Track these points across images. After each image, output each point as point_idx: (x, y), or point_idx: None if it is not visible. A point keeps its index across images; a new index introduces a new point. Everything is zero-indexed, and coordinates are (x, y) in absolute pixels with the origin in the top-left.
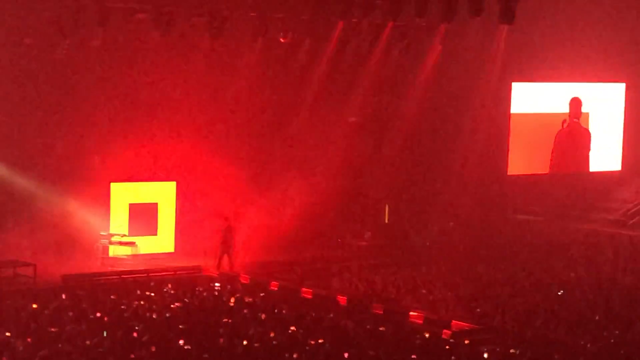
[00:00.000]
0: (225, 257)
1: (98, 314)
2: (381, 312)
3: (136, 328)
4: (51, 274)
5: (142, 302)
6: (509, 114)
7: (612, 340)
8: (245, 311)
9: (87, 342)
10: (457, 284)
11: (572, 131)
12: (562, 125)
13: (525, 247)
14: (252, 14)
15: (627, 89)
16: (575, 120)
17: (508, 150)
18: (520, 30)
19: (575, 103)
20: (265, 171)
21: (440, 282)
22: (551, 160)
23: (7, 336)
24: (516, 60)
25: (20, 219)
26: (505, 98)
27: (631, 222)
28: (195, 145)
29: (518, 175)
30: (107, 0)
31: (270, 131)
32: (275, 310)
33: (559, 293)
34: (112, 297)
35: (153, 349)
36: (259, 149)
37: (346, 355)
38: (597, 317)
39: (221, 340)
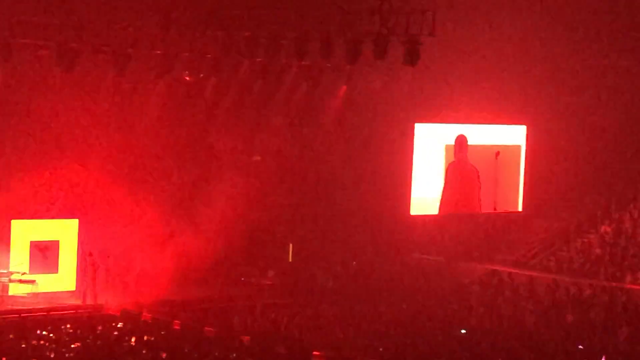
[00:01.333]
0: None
1: None
2: (285, 352)
3: None
4: None
5: (41, 342)
6: (412, 155)
7: None
8: (144, 351)
9: None
10: (359, 323)
11: (458, 169)
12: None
13: (427, 287)
14: (157, 52)
15: (528, 131)
16: (460, 158)
17: (410, 190)
18: (424, 72)
19: (460, 140)
20: (170, 208)
21: (343, 321)
22: (442, 196)
23: None
24: (420, 102)
25: None
26: (408, 139)
27: (531, 262)
28: (100, 182)
29: (420, 215)
30: (10, 35)
31: (176, 168)
32: (177, 350)
33: (462, 331)
34: (10, 336)
35: None
36: (164, 186)
37: None
38: (498, 356)
39: None
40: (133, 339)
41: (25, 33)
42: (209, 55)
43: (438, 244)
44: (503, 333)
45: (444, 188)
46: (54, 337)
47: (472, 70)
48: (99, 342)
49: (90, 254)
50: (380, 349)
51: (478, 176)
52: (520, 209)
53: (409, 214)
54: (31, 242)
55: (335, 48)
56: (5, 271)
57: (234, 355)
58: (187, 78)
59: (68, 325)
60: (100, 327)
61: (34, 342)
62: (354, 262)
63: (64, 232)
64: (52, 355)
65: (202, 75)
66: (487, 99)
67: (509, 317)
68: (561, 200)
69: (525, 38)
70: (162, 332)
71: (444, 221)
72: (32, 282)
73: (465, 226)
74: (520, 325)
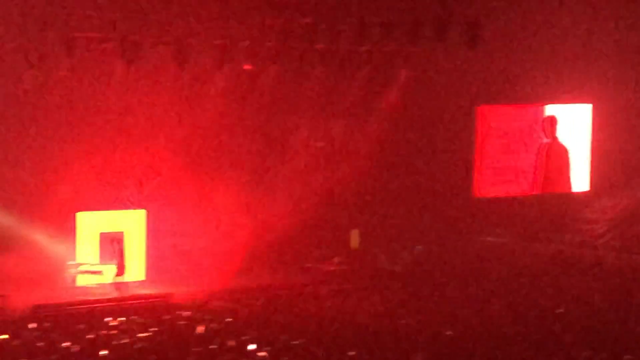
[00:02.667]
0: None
1: (67, 344)
2: (351, 337)
3: (105, 358)
4: (21, 305)
5: (111, 332)
6: (475, 137)
7: None
8: (214, 338)
9: None
10: (426, 308)
11: (551, 149)
12: None
13: (493, 270)
14: (217, 42)
15: (594, 110)
16: (553, 138)
17: (475, 173)
18: (486, 53)
19: (551, 120)
20: (233, 197)
21: (410, 307)
22: (535, 177)
23: None
24: (482, 84)
25: None
26: (471, 121)
27: (599, 242)
28: (163, 172)
29: (486, 197)
30: (73, 29)
31: (239, 157)
32: (244, 337)
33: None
34: (80, 326)
35: None
36: (226, 176)
37: None
38: (567, 339)
39: None
40: (201, 328)
41: (88, 27)
42: (269, 43)
43: (504, 225)
44: (571, 314)
45: (535, 167)
46: (122, 326)
47: (534, 49)
48: (167, 331)
49: (119, 241)
50: (449, 333)
51: (568, 155)
52: (587, 188)
53: (474, 196)
54: (100, 233)
55: (395, 32)
56: (74, 263)
57: (302, 341)
58: (248, 67)
59: (136, 315)
60: (168, 316)
61: (104, 331)
62: (419, 246)
63: (132, 222)
64: (122, 345)
65: (262, 63)
66: (551, 78)
67: (577, 297)
68: (628, 179)
69: (588, 14)
70: (229, 320)
71: (509, 202)
72: (101, 272)
73: (530, 207)
74: (588, 305)
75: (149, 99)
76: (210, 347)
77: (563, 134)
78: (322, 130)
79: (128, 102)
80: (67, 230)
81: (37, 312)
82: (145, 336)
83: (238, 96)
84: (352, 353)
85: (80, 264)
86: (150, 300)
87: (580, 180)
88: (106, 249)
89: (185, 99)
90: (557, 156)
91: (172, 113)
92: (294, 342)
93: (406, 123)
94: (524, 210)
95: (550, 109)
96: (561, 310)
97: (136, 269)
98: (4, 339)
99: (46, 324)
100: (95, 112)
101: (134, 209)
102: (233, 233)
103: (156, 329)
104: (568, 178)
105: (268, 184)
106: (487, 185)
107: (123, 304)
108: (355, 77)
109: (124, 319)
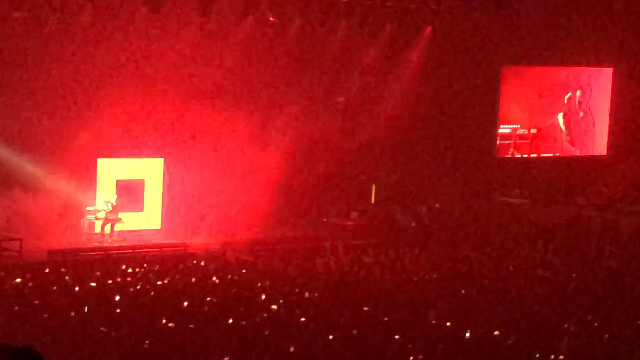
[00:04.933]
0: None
1: (81, 289)
2: (365, 292)
3: (119, 304)
4: (37, 249)
5: (127, 279)
6: (498, 97)
7: (596, 324)
8: (229, 290)
9: (69, 317)
10: (441, 265)
11: (571, 112)
12: None
13: (510, 230)
14: None
15: (614, 74)
16: (574, 101)
17: (496, 132)
18: (511, 13)
19: (572, 84)
20: (251, 149)
21: (425, 264)
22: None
23: None
24: (507, 43)
25: (7, 194)
26: (495, 81)
27: (617, 206)
28: (184, 122)
29: (506, 158)
30: None
31: (257, 109)
32: (259, 285)
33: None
34: (97, 273)
35: (135, 326)
36: (245, 127)
37: (330, 337)
38: (580, 302)
39: (205, 318)
40: (216, 278)
41: None
42: None
43: (523, 186)
44: (586, 276)
45: (556, 130)
46: (137, 274)
47: (558, 11)
48: (181, 281)
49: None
50: (463, 292)
51: (588, 118)
52: (605, 152)
53: (495, 156)
54: (117, 181)
55: None
56: (91, 209)
57: (317, 294)
58: (272, 19)
59: (152, 264)
60: (183, 266)
61: (119, 279)
62: (437, 204)
63: (150, 170)
64: (136, 292)
65: (286, 16)
66: (574, 40)
67: (593, 260)
68: None
69: None
70: (244, 272)
71: (529, 164)
72: (118, 220)
73: (550, 169)
74: (604, 268)
75: (172, 47)
76: (224, 298)
77: (584, 97)
78: (344, 85)
79: (150, 50)
80: (87, 175)
81: (52, 257)
82: (160, 284)
83: (261, 47)
84: (366, 308)
85: (98, 211)
86: (165, 249)
87: (598, 143)
88: (123, 196)
89: (208, 48)
90: (577, 119)
91: (194, 62)
92: (308, 296)
93: (429, 80)
94: (543, 172)
95: (572, 72)
96: (575, 274)
97: (153, 218)
98: (18, 283)
99: (61, 269)
100: (118, 59)
101: (152, 157)
102: (252, 185)
103: (171, 278)
104: (587, 141)
105: (287, 137)
106: (509, 145)
107: (139, 252)
108: (379, 32)
109: (138, 267)
